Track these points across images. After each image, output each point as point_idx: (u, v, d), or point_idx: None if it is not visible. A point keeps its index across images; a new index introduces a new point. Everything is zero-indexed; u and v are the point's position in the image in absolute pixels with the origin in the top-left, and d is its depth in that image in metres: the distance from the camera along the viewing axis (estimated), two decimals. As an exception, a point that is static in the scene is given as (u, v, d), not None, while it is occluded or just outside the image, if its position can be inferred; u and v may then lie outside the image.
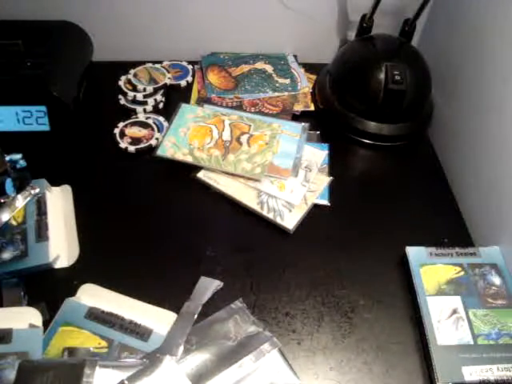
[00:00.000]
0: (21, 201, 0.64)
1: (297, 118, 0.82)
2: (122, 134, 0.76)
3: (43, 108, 0.70)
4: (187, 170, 0.72)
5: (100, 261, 0.61)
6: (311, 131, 0.79)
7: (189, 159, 0.72)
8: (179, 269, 0.62)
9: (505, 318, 0.57)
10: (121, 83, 0.83)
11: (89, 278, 0.59)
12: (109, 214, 0.67)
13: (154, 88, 0.82)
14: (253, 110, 0.82)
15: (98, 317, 0.55)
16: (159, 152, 0.72)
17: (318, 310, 0.60)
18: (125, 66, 0.85)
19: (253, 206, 0.68)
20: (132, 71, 0.85)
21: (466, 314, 0.57)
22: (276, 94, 0.84)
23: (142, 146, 0.74)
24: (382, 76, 0.74)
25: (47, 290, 0.58)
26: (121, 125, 0.77)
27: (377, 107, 0.76)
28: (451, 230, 0.69)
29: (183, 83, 0.87)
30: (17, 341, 0.52)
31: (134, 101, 0.81)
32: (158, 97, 0.81)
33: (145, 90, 0.81)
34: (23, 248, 0.60)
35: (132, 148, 0.74)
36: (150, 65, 0.87)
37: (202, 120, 0.77)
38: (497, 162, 0.66)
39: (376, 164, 0.79)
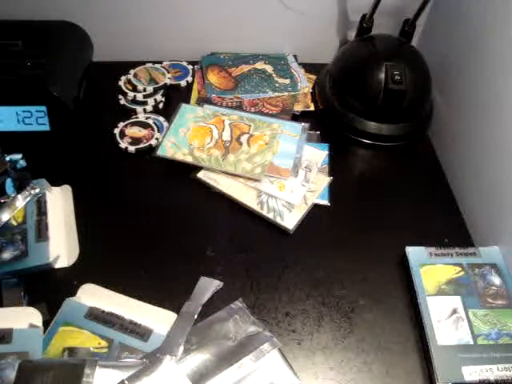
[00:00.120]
0: (21, 201, 0.64)
1: (297, 118, 0.82)
2: (122, 134, 0.76)
3: (43, 108, 0.70)
4: (187, 170, 0.72)
5: (100, 261, 0.61)
6: (311, 131, 0.79)
7: (189, 159, 0.72)
8: (179, 269, 0.62)
9: (505, 318, 0.57)
10: (121, 83, 0.83)
11: (89, 278, 0.58)
12: (109, 213, 0.67)
13: (154, 88, 0.82)
14: (253, 110, 0.82)
15: (98, 317, 0.55)
16: (159, 152, 0.72)
17: (317, 310, 0.60)
18: (125, 66, 0.85)
19: (253, 206, 0.68)
20: (132, 71, 0.85)
21: (466, 314, 0.57)
22: (276, 94, 0.84)
23: (141, 146, 0.74)
24: (382, 76, 0.74)
25: (47, 289, 0.58)
26: (121, 125, 0.77)
27: (377, 107, 0.76)
28: (451, 230, 0.69)
29: (183, 83, 0.87)
30: (17, 341, 0.52)
31: (134, 101, 0.81)
32: (158, 97, 0.81)
33: (145, 90, 0.81)
34: (23, 248, 0.60)
35: (132, 148, 0.74)
36: (150, 65, 0.87)
37: (202, 120, 0.77)
38: (497, 162, 0.66)
39: (376, 164, 0.79)
